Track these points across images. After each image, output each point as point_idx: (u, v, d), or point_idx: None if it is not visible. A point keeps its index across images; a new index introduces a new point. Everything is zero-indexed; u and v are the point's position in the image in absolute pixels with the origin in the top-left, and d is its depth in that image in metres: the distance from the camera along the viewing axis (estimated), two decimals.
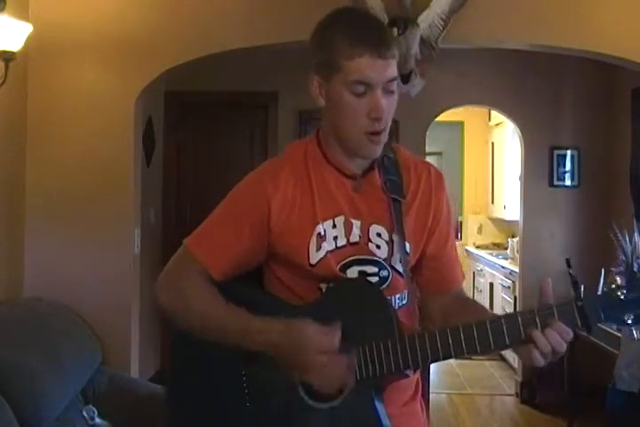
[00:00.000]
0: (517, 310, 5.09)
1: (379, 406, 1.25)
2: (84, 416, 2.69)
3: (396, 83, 1.32)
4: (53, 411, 2.46)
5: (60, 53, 3.20)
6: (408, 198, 1.38)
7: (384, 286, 1.36)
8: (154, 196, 4.48)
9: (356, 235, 1.35)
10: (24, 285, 3.17)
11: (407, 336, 1.23)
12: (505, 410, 4.73)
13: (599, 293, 1.20)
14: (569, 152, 4.80)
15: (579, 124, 4.81)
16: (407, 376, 1.29)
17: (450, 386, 4.91)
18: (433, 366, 4.44)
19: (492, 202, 7.19)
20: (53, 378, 2.50)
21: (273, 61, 4.50)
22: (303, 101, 4.68)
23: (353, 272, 1.34)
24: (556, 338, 1.15)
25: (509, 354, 5.12)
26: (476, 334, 1.18)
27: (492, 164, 7.24)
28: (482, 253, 6.78)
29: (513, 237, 6.12)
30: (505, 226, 7.07)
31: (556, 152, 4.81)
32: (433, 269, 1.44)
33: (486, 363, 5.53)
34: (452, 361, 5.14)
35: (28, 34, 2.79)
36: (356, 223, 1.35)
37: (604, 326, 3.10)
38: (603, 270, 3.70)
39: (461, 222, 7.52)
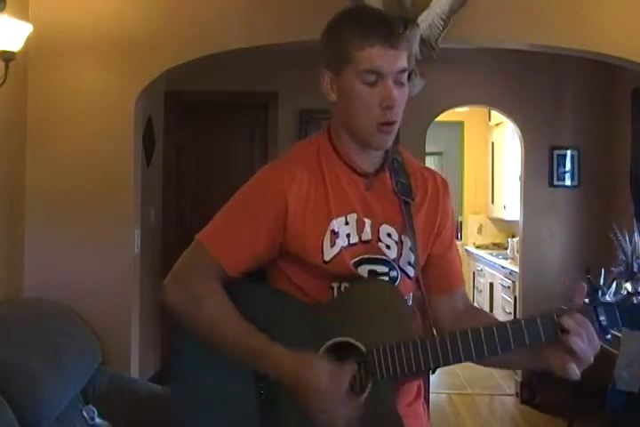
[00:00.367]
0: (520, 314, 5.10)
1: (399, 406, 1.25)
2: (84, 416, 2.69)
3: (406, 75, 1.32)
4: (53, 411, 2.46)
5: (60, 53, 3.20)
6: (417, 202, 1.39)
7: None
8: (154, 196, 4.48)
9: (368, 233, 1.34)
10: (24, 285, 3.16)
11: (428, 338, 1.23)
12: (505, 410, 4.73)
13: (614, 298, 1.22)
14: (569, 152, 4.80)
15: (579, 124, 4.81)
16: (419, 379, 1.30)
17: (450, 386, 4.91)
18: None
19: (492, 202, 7.19)
20: (53, 378, 2.50)
21: (273, 61, 4.50)
22: (303, 101, 4.71)
23: (363, 271, 1.33)
24: (586, 341, 1.16)
25: None
26: (497, 334, 1.18)
27: (492, 164, 7.24)
28: (482, 253, 6.78)
29: (513, 237, 6.12)
30: (505, 226, 7.07)
31: (556, 152, 4.81)
32: (438, 268, 1.44)
33: None
34: None
35: (28, 34, 2.79)
36: (368, 222, 1.35)
37: None
38: (603, 270, 3.73)
39: (461, 222, 7.52)
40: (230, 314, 1.27)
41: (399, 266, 1.37)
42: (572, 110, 4.81)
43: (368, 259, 1.34)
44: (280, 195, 1.30)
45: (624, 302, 1.18)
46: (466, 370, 5.27)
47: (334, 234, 1.32)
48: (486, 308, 6.13)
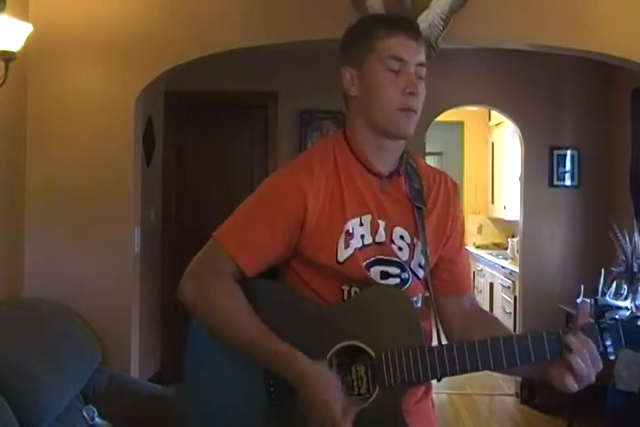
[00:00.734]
0: (519, 314, 5.09)
1: (404, 411, 1.26)
2: (84, 416, 2.68)
3: (425, 70, 1.36)
4: (53, 411, 2.46)
5: (60, 53, 3.20)
6: (428, 207, 1.41)
7: (404, 288, 1.37)
8: (154, 196, 4.49)
9: (382, 235, 1.36)
10: (24, 285, 3.16)
11: (436, 347, 1.25)
12: (505, 410, 4.73)
13: (620, 319, 1.22)
14: (569, 152, 4.80)
15: (579, 124, 4.81)
16: (429, 383, 1.32)
17: (450, 386, 4.90)
18: None
19: (492, 202, 7.19)
20: (53, 378, 2.50)
21: (273, 61, 4.50)
22: (303, 101, 4.72)
23: (376, 272, 1.35)
24: (588, 361, 1.17)
25: None
26: (504, 348, 1.20)
27: (492, 164, 7.24)
28: (482, 253, 6.78)
29: (513, 237, 6.12)
30: (505, 226, 7.07)
31: (556, 152, 4.81)
32: (447, 271, 1.46)
33: None
34: None
35: (28, 34, 2.79)
36: (382, 224, 1.36)
37: None
38: (603, 270, 3.73)
39: None
40: (245, 314, 1.27)
41: (410, 268, 1.38)
42: (572, 110, 4.81)
43: (381, 260, 1.35)
44: (299, 196, 1.31)
45: (628, 324, 1.20)
46: None
47: (349, 235, 1.33)
48: (486, 308, 6.13)
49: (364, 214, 1.35)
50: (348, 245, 1.32)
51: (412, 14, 3.11)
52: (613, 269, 3.79)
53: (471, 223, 7.51)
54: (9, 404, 2.20)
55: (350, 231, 1.33)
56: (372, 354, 1.25)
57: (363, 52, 1.35)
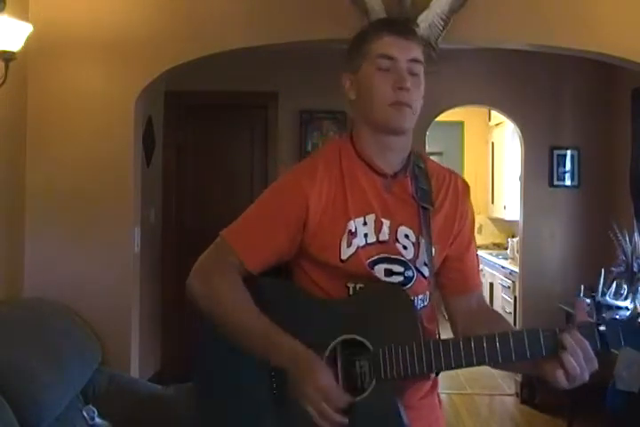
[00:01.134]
0: (519, 314, 5.09)
1: (400, 406, 1.27)
2: (84, 416, 2.69)
3: (421, 67, 1.39)
4: (53, 411, 2.46)
5: (60, 53, 3.20)
6: (436, 206, 1.43)
7: (408, 285, 1.39)
8: (154, 196, 4.48)
9: (385, 233, 1.39)
10: (24, 285, 3.16)
11: (432, 342, 1.26)
12: (505, 410, 4.73)
13: (621, 318, 1.21)
14: (569, 152, 4.80)
15: (579, 124, 4.81)
16: (428, 379, 1.34)
17: (450, 386, 4.91)
18: None
19: (492, 202, 7.19)
20: (53, 378, 2.50)
21: (273, 61, 4.50)
22: (303, 101, 4.72)
23: (380, 270, 1.38)
24: (581, 360, 1.17)
25: None
26: (499, 345, 1.21)
27: (492, 164, 7.24)
28: (482, 253, 6.77)
29: (513, 237, 6.12)
30: (505, 226, 7.08)
31: (556, 152, 4.81)
32: (455, 270, 1.48)
33: None
34: None
35: (28, 34, 2.79)
36: (386, 223, 1.39)
37: None
38: (603, 270, 3.73)
39: None
40: (246, 305, 1.33)
41: (415, 266, 1.41)
42: (572, 110, 4.81)
43: (385, 258, 1.39)
44: (301, 197, 1.36)
45: (628, 322, 1.19)
46: (466, 370, 5.26)
47: (351, 234, 1.37)
48: None
49: (367, 214, 1.38)
50: (351, 244, 1.36)
51: (411, 14, 3.11)
52: (613, 269, 3.79)
53: None
54: (9, 404, 2.20)
55: (353, 230, 1.37)
56: (371, 348, 1.27)
57: (358, 57, 1.40)
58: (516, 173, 5.36)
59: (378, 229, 1.38)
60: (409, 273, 1.39)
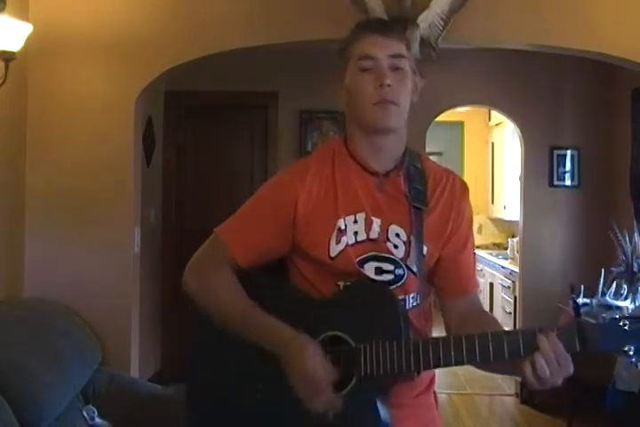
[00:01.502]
0: (519, 314, 5.09)
1: (380, 404, 1.27)
2: (84, 416, 2.69)
3: (404, 61, 1.39)
4: (53, 411, 2.46)
5: (60, 53, 3.20)
6: (430, 206, 1.43)
7: (399, 284, 1.40)
8: (154, 196, 4.49)
9: (375, 231, 1.40)
10: (24, 285, 3.16)
11: (412, 340, 1.27)
12: (505, 410, 4.73)
13: (603, 321, 1.20)
14: (569, 152, 4.80)
15: (579, 124, 4.81)
16: (412, 379, 1.31)
17: (450, 386, 4.91)
18: None
19: (492, 202, 7.19)
20: (53, 378, 2.50)
21: (273, 61, 4.50)
22: (303, 101, 4.72)
23: (370, 267, 1.39)
24: (554, 363, 1.17)
25: None
26: (478, 345, 1.21)
27: (492, 164, 7.24)
28: (482, 253, 6.77)
29: (513, 237, 6.12)
30: (505, 226, 7.08)
31: (556, 152, 4.81)
32: (449, 271, 1.47)
33: None
34: None
35: (28, 34, 2.79)
36: (377, 221, 1.40)
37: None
38: (603, 270, 3.73)
39: None
40: (235, 293, 1.38)
41: (406, 265, 1.41)
42: (572, 110, 4.81)
43: (375, 256, 1.40)
44: (290, 195, 1.40)
45: (608, 325, 1.18)
46: (466, 370, 5.27)
47: (341, 232, 1.39)
48: (486, 308, 6.13)
49: (358, 212, 1.40)
50: (340, 241, 1.38)
51: (411, 14, 3.11)
52: (613, 269, 3.79)
53: None
54: (9, 404, 2.20)
55: (342, 228, 1.39)
56: (353, 345, 1.28)
57: (344, 62, 1.43)
58: (516, 173, 5.36)
59: (368, 227, 1.39)
60: (399, 271, 1.40)
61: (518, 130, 4.90)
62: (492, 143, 7.18)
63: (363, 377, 1.26)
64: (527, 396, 4.64)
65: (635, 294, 3.60)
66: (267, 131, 4.88)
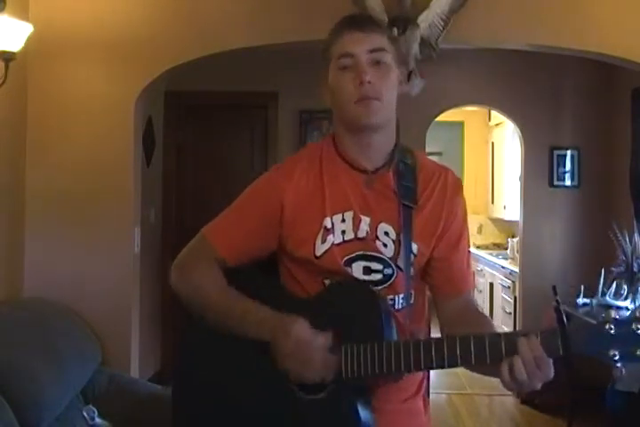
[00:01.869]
0: (519, 314, 5.09)
1: (361, 407, 1.25)
2: (84, 416, 2.68)
3: (385, 54, 1.37)
4: (53, 411, 2.46)
5: (60, 53, 3.20)
6: (420, 203, 1.40)
7: (387, 283, 1.37)
8: (154, 196, 4.49)
9: (363, 230, 1.37)
10: (24, 285, 3.16)
11: (394, 342, 1.24)
12: (505, 410, 4.73)
13: (589, 324, 1.17)
14: (569, 152, 4.80)
15: (579, 124, 4.81)
16: (396, 381, 1.29)
17: (450, 386, 4.90)
18: None
19: (492, 202, 7.19)
20: (53, 378, 2.50)
21: (273, 61, 4.50)
22: (303, 101, 4.71)
23: (358, 267, 1.37)
24: (532, 367, 1.14)
25: None
26: (459, 347, 1.18)
27: (492, 164, 7.24)
28: (482, 253, 6.77)
29: (513, 237, 6.12)
30: (505, 226, 7.07)
31: (556, 152, 4.81)
32: (442, 270, 1.44)
33: None
34: None
35: (28, 34, 2.79)
36: (365, 220, 1.38)
37: None
38: (603, 270, 3.73)
39: None
40: (219, 286, 1.39)
41: (396, 264, 1.38)
42: (572, 110, 4.81)
43: (363, 256, 1.37)
44: (276, 193, 1.39)
45: (593, 329, 1.14)
46: (466, 370, 5.27)
47: (327, 231, 1.37)
48: (486, 308, 6.13)
49: (346, 211, 1.38)
50: (325, 240, 1.36)
51: (411, 14, 3.11)
52: (613, 269, 3.79)
53: (471, 223, 7.35)
54: (9, 404, 2.20)
55: (329, 227, 1.37)
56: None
57: (326, 63, 1.41)
58: (516, 173, 5.36)
59: (356, 226, 1.37)
60: (388, 271, 1.37)
61: (518, 130, 4.90)
62: (492, 143, 7.18)
63: (344, 378, 1.24)
64: (527, 396, 4.63)
65: (635, 294, 3.60)
66: (267, 131, 4.88)
